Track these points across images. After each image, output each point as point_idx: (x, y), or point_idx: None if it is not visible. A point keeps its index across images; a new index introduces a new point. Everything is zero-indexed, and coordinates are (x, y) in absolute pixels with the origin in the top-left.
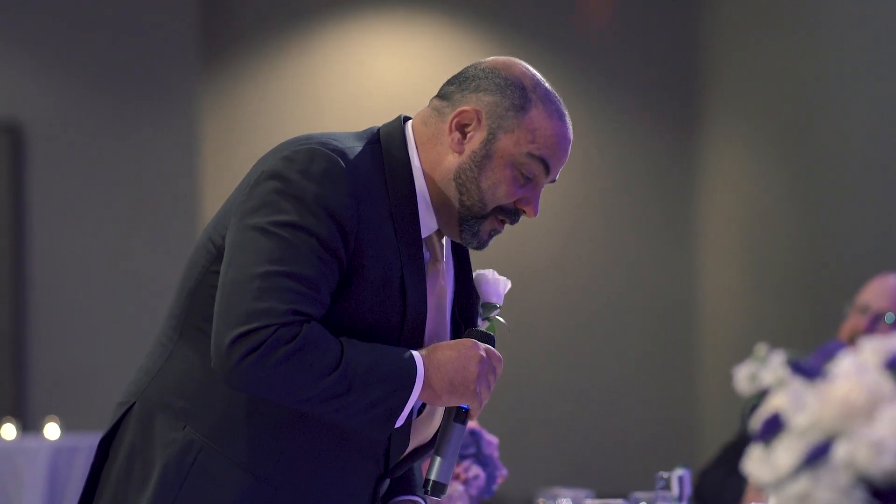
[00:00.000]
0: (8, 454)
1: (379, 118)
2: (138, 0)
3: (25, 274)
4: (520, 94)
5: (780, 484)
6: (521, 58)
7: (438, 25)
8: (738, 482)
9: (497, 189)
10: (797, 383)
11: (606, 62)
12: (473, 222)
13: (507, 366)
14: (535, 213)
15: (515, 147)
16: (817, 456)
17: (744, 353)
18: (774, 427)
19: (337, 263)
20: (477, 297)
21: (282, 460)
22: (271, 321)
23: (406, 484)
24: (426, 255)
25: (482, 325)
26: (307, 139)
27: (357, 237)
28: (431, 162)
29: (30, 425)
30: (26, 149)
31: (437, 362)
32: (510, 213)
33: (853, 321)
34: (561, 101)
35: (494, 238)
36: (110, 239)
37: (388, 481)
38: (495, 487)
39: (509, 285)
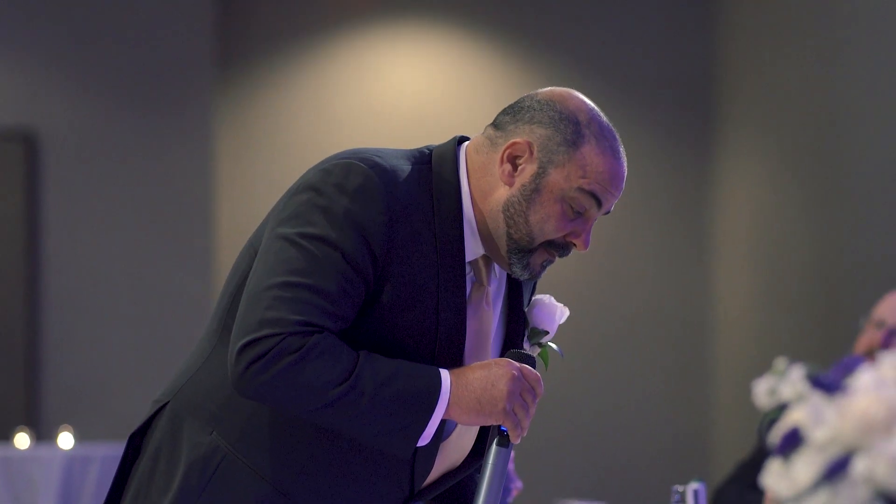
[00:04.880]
0: (22, 463)
1: (395, 130)
2: (154, 11)
3: (40, 283)
4: (573, 129)
5: (798, 498)
6: (538, 70)
7: (455, 37)
8: (755, 498)
9: (546, 223)
10: (816, 398)
11: (623, 75)
12: (522, 255)
13: None
14: (586, 247)
15: (566, 182)
16: (836, 470)
17: (759, 368)
18: (793, 441)
19: (361, 280)
20: (527, 322)
21: (303, 474)
22: (280, 330)
23: None
24: (471, 278)
25: (531, 351)
26: (352, 153)
27: (388, 255)
28: (482, 191)
29: (44, 434)
30: (42, 158)
31: (465, 380)
32: (560, 247)
33: (869, 336)
34: (617, 136)
35: None
36: (125, 248)
37: None
38: (510, 500)
39: (567, 313)
